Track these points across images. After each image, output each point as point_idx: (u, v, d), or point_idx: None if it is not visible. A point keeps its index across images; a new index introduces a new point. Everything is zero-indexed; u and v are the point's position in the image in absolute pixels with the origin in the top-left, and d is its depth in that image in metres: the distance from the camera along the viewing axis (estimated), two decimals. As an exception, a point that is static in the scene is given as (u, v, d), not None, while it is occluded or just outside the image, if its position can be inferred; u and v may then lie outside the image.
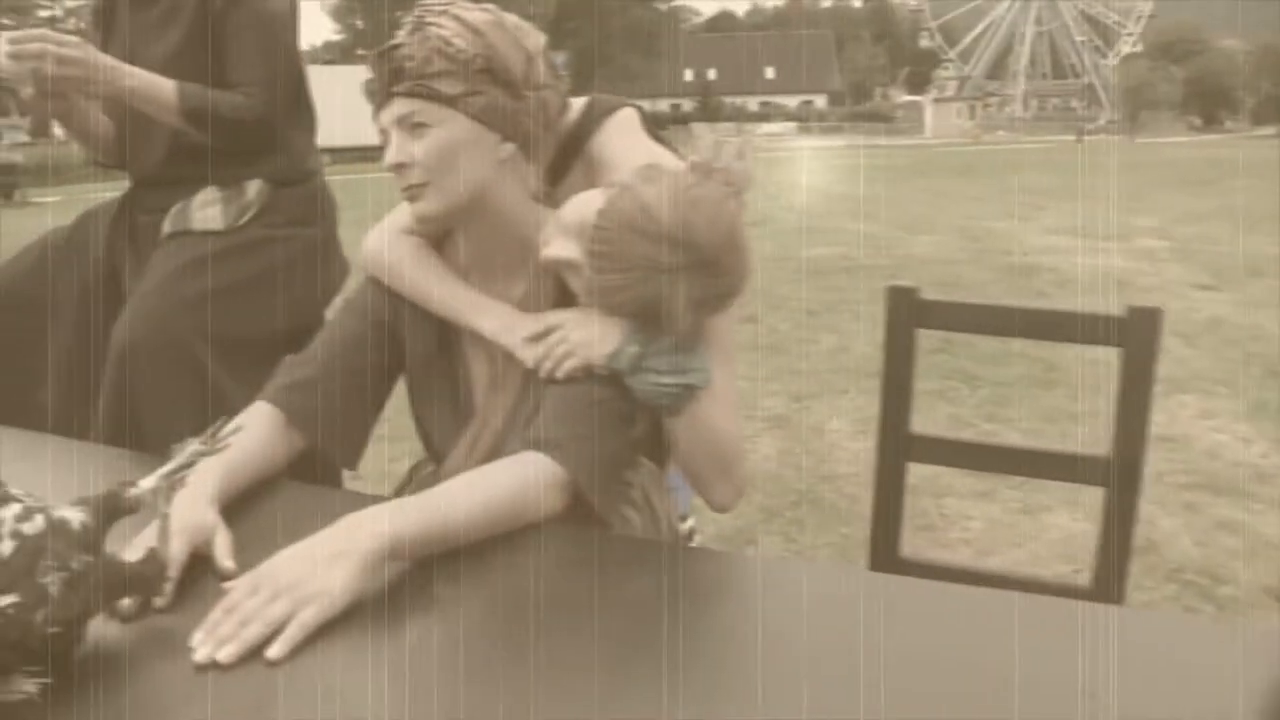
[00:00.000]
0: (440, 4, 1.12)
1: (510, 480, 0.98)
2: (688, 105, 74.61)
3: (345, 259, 1.89)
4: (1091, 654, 0.76)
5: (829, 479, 3.16)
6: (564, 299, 1.16)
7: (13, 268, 1.76)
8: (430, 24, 1.09)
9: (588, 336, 1.08)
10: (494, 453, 1.17)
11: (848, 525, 2.84)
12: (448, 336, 1.24)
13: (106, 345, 1.58)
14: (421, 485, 1.32)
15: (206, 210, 1.70)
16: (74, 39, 1.52)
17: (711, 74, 77.28)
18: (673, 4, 57.81)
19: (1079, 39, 63.47)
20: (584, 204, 1.07)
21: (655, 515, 1.25)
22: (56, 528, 0.77)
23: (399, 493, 1.35)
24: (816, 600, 0.88)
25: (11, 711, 0.71)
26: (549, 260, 1.10)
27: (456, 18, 1.10)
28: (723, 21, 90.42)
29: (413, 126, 1.10)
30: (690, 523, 1.89)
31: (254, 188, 1.73)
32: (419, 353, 1.25)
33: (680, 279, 1.02)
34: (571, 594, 0.89)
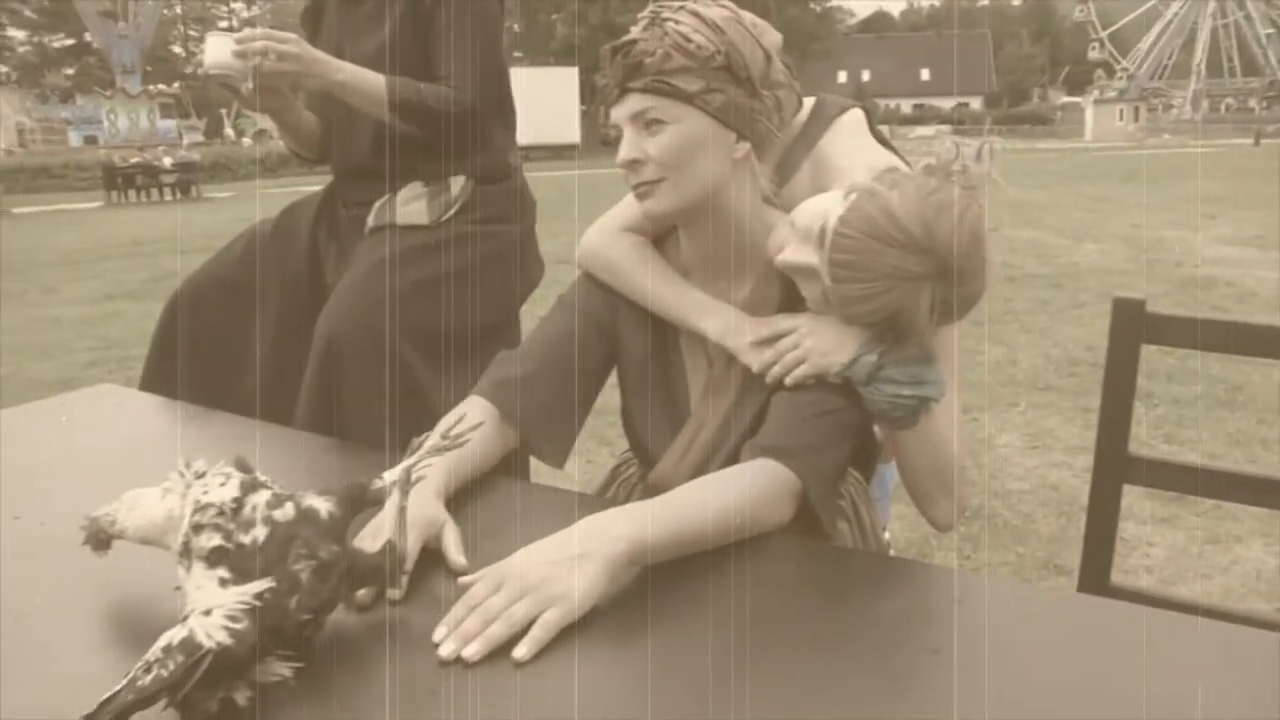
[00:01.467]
0: (677, 2, 1.10)
1: (749, 488, 0.96)
2: (841, 107, 73.40)
3: (541, 257, 1.91)
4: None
5: (1001, 495, 3.04)
6: (789, 303, 1.14)
7: (222, 257, 1.84)
8: (668, 19, 1.08)
9: (822, 344, 1.05)
10: (708, 457, 1.15)
11: (1023, 544, 2.71)
12: (664, 337, 1.23)
13: (309, 334, 1.64)
14: (625, 487, 1.32)
15: (411, 205, 1.74)
16: (291, 36, 1.58)
17: (865, 75, 75.74)
18: (827, 5, 56.97)
19: (1265, 32, 59.27)
20: (820, 208, 1.03)
21: (863, 527, 1.22)
22: (306, 516, 0.79)
23: (602, 494, 1.35)
24: (1042, 623, 0.84)
25: (267, 692, 0.73)
26: (785, 265, 1.07)
27: (695, 14, 1.08)
28: (877, 22, 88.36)
29: (648, 123, 1.09)
30: (887, 535, 1.84)
31: (458, 184, 1.76)
32: (634, 352, 1.24)
33: (925, 287, 0.98)
34: (804, 607, 0.87)
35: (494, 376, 1.19)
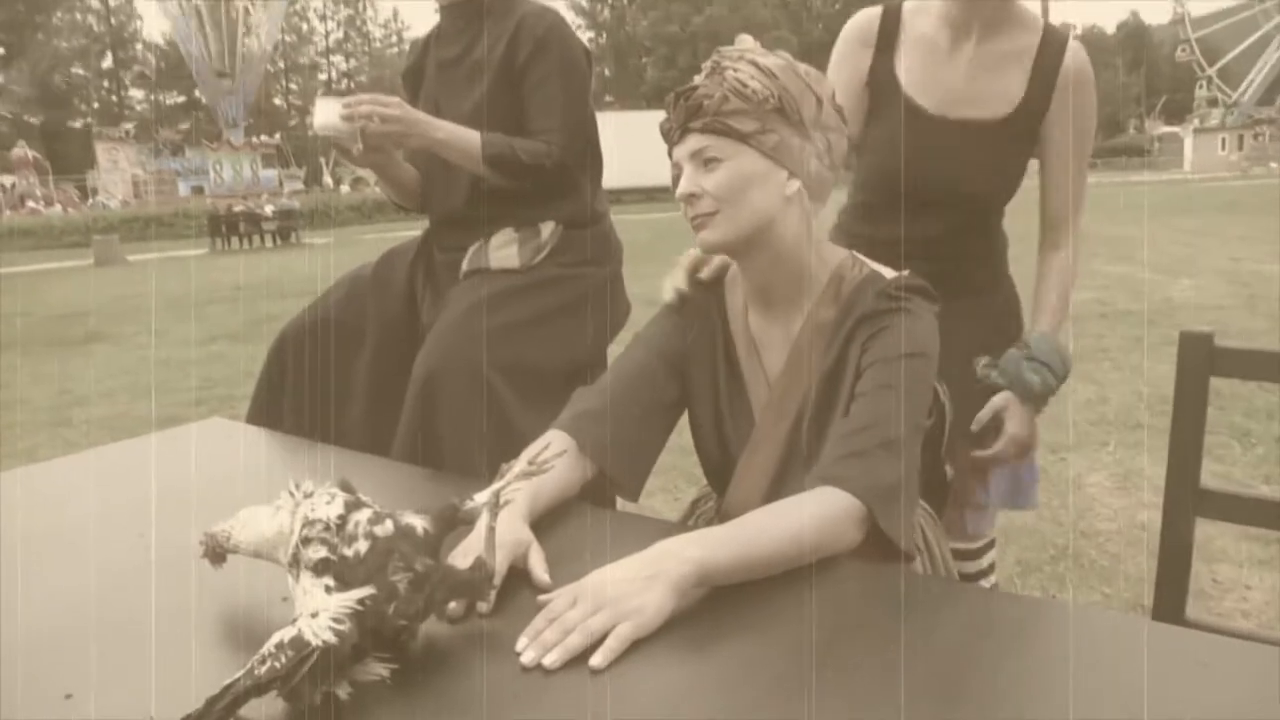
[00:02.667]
0: (738, 52, 1.19)
1: (811, 515, 1.01)
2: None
3: (628, 298, 1.99)
4: None
5: (1089, 535, 2.99)
6: (841, 328, 1.19)
7: (326, 300, 1.96)
8: (728, 68, 1.16)
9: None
10: (775, 483, 1.20)
11: (1109, 584, 2.67)
12: (730, 366, 1.29)
13: (405, 371, 1.74)
14: (704, 518, 1.37)
15: (503, 250, 1.84)
16: (394, 99, 1.70)
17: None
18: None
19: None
20: None
21: (934, 558, 1.25)
22: (404, 532, 0.87)
23: (682, 525, 1.41)
24: (1122, 653, 0.85)
25: (365, 690, 0.80)
26: None
27: (753, 63, 1.16)
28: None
29: (706, 161, 1.16)
30: (991, 557, 1.86)
31: (548, 229, 1.85)
32: (701, 384, 1.30)
33: None
34: (873, 629, 0.90)
35: (572, 410, 1.26)
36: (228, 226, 23.26)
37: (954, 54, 1.59)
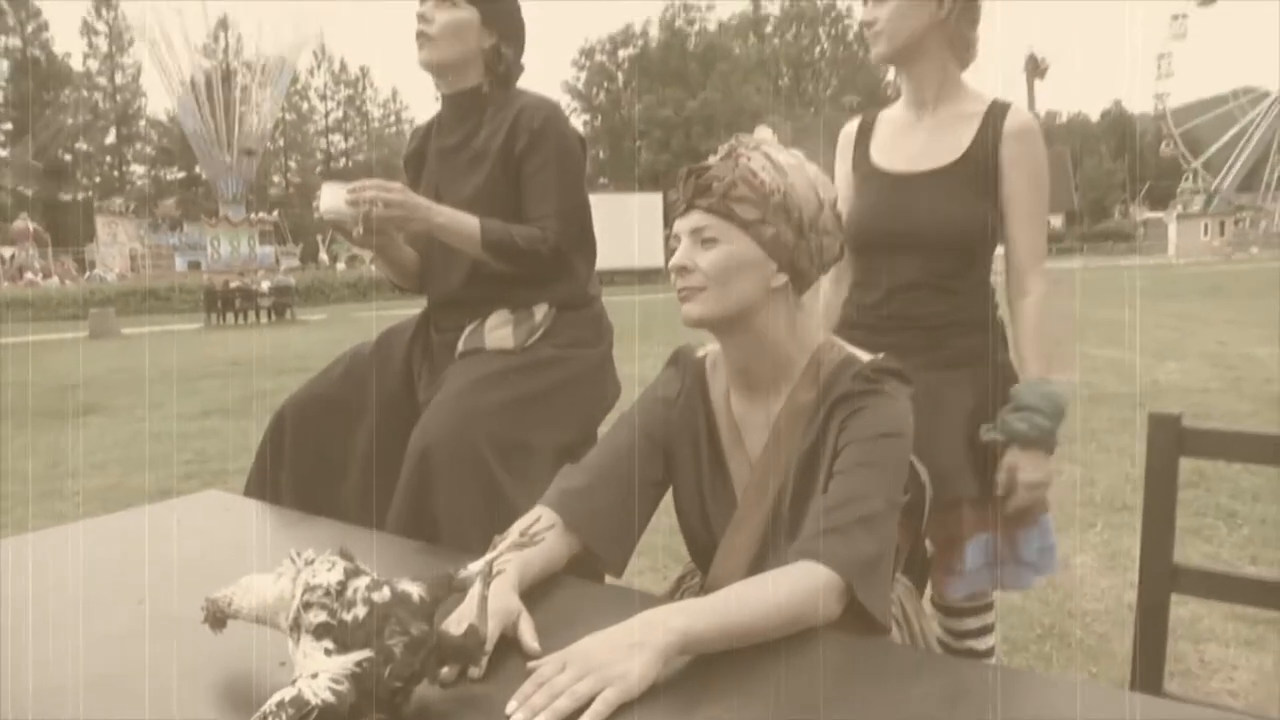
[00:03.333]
0: (754, 141, 1.26)
1: (790, 587, 1.04)
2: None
3: (618, 378, 2.05)
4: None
5: (1076, 615, 3.00)
6: (818, 410, 1.25)
7: (324, 376, 2.01)
8: (742, 155, 1.23)
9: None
10: (758, 558, 1.24)
11: (1096, 663, 2.68)
12: (712, 447, 1.33)
13: (401, 447, 1.78)
14: (689, 594, 1.40)
15: (499, 331, 1.90)
16: (397, 185, 1.78)
17: (942, 197, 76.01)
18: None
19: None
20: None
21: (913, 631, 1.28)
22: (400, 598, 0.91)
23: (668, 600, 1.44)
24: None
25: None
26: None
27: (767, 155, 1.23)
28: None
29: (704, 239, 1.23)
30: (991, 618, 1.91)
31: (541, 311, 1.92)
32: (684, 463, 1.35)
33: None
34: (853, 698, 0.93)
35: (558, 487, 1.31)
36: (223, 302, 23.35)
37: (916, 125, 1.81)
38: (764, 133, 1.31)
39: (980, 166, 1.74)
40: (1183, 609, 2.85)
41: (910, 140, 1.82)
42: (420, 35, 1.91)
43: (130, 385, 10.18)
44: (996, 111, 1.77)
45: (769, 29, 58.26)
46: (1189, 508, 3.99)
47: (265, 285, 24.42)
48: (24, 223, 44.10)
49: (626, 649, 0.93)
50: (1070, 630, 2.89)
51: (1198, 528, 3.83)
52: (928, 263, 1.74)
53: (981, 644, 1.90)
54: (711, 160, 1.26)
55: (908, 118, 1.84)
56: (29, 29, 63.66)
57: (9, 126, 62.86)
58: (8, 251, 42.93)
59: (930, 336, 1.74)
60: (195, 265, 41.82)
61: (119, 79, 66.67)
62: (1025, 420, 1.67)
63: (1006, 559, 1.78)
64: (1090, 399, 6.84)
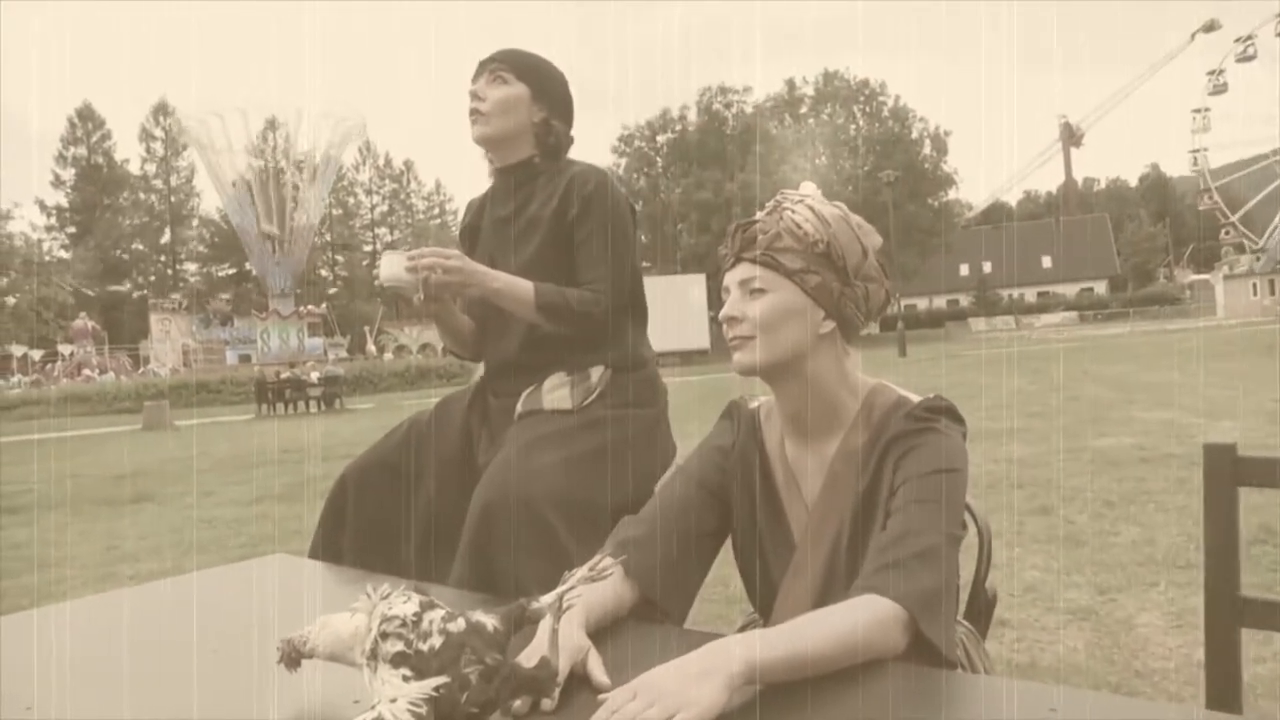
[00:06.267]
0: (799, 195, 1.31)
1: (860, 618, 1.05)
2: (964, 300, 74.08)
3: (673, 438, 2.07)
4: None
5: (1143, 674, 2.92)
6: (871, 453, 1.26)
7: (385, 442, 2.06)
8: (787, 208, 1.29)
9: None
10: (818, 604, 1.24)
11: (1169, 722, 2.59)
12: (768, 495, 1.35)
13: (461, 508, 1.81)
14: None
15: (556, 393, 1.94)
16: (455, 252, 1.85)
17: (986, 267, 76.01)
18: (945, 199, 58.20)
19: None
20: None
21: (976, 673, 1.28)
22: (475, 628, 0.94)
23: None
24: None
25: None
26: None
27: (810, 208, 1.28)
28: (995, 213, 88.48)
29: (752, 290, 1.28)
30: None
31: (597, 373, 1.96)
32: (742, 512, 1.37)
33: None
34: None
35: (617, 537, 1.33)
36: (274, 392, 23.77)
37: None
38: (808, 188, 1.36)
39: None
40: (1261, 667, 2.76)
41: None
42: (473, 112, 2.00)
43: (182, 474, 10.37)
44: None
45: (803, 109, 59.12)
46: (1259, 563, 3.89)
47: (315, 376, 24.85)
48: (83, 321, 45.56)
49: (695, 677, 0.95)
50: (1138, 689, 2.81)
51: (1269, 584, 3.73)
52: None
53: None
54: (758, 215, 1.31)
55: None
56: (94, 138, 66.70)
57: (73, 230, 65.41)
58: (67, 349, 44.22)
59: None
60: (246, 358, 42.77)
61: (174, 180, 69.27)
62: None
63: None
64: (1143, 461, 6.73)
